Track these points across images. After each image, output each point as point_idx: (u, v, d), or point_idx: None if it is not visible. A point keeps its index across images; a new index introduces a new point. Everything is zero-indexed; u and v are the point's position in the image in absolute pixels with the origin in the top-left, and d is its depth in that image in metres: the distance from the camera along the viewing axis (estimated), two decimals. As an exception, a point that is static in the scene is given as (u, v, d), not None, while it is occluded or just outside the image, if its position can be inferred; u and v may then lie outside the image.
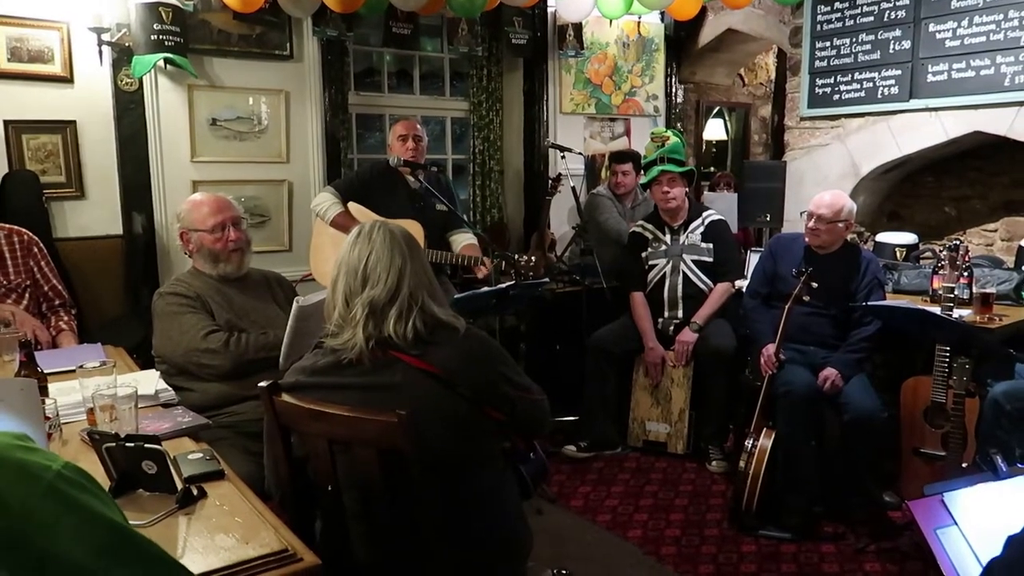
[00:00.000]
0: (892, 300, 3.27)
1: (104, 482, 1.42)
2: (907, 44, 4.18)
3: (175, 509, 1.43)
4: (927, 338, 2.92)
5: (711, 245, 3.75)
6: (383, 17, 4.32)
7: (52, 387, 2.02)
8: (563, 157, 4.54)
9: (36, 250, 2.99)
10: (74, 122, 3.69)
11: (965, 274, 3.25)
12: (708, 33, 5.58)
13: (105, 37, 3.62)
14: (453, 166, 5.16)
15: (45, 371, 2.05)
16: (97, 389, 1.76)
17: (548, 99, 5.11)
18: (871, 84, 4.35)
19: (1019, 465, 2.03)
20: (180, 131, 3.92)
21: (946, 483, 1.49)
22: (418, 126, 3.55)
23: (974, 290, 3.27)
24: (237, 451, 2.08)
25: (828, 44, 4.54)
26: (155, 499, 1.47)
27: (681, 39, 5.71)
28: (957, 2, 3.95)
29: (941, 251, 3.31)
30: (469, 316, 2.38)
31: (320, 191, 3.71)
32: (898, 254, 3.97)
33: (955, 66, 3.99)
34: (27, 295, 2.92)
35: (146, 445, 1.46)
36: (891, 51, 4.25)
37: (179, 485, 1.48)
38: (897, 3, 4.20)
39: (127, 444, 1.47)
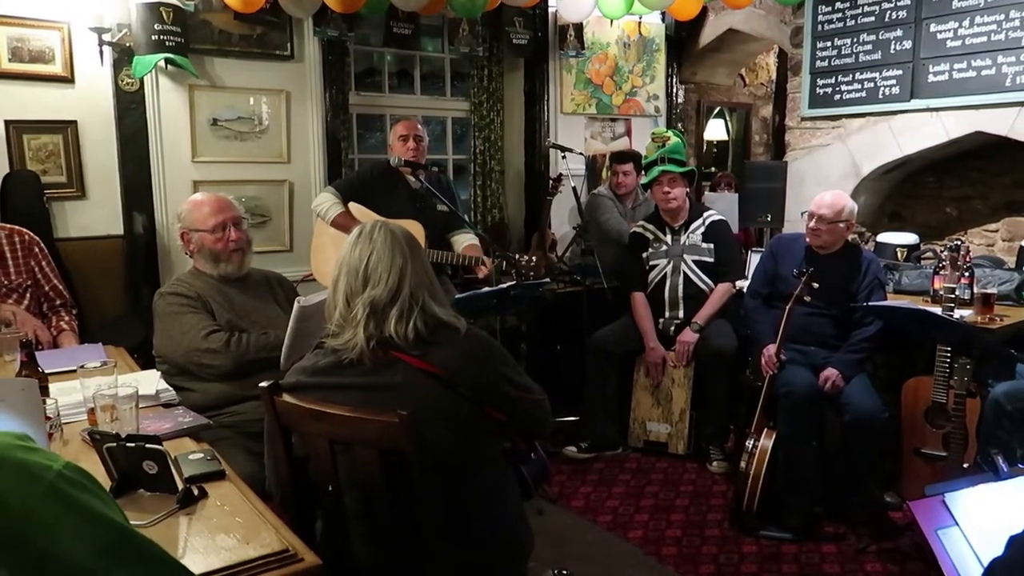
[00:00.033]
0: (893, 300, 3.27)
1: (105, 482, 1.42)
2: (908, 44, 4.17)
3: (176, 509, 1.43)
4: (928, 338, 2.92)
5: (712, 245, 3.75)
6: (384, 17, 4.32)
7: (53, 387, 2.03)
8: (564, 157, 4.54)
9: (37, 250, 2.99)
10: (75, 122, 3.69)
11: (966, 274, 3.25)
12: (709, 33, 5.57)
13: (106, 37, 3.62)
14: (454, 166, 5.16)
15: (46, 371, 2.05)
16: (98, 389, 1.76)
17: (549, 99, 5.11)
18: (872, 84, 4.35)
19: (1020, 465, 2.03)
20: (181, 131, 3.93)
21: (947, 483, 1.49)
22: (419, 126, 3.55)
23: (975, 290, 3.27)
24: (238, 451, 2.08)
25: (829, 44, 4.54)
26: (156, 499, 1.47)
27: (682, 39, 5.71)
28: (958, 2, 3.95)
29: (942, 251, 3.31)
30: (470, 316, 2.38)
31: (321, 191, 3.71)
32: (899, 254, 3.97)
33: (956, 66, 3.98)
34: (28, 295, 2.92)
35: (147, 445, 1.46)
36: (892, 51, 4.25)
37: (180, 485, 1.48)
38: (898, 3, 4.20)
39: (128, 444, 1.47)
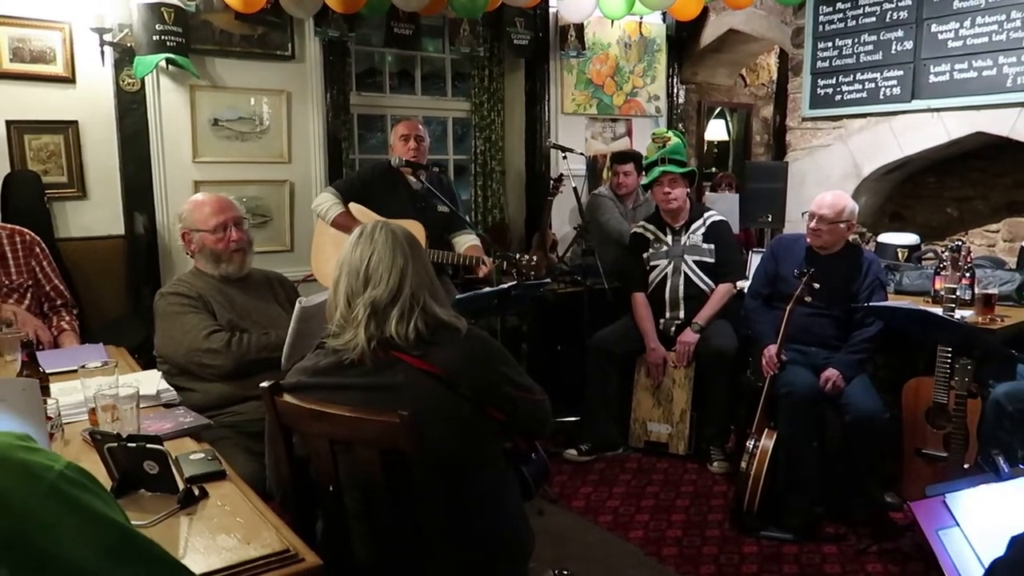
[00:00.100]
0: (894, 301, 3.27)
1: (106, 482, 1.42)
2: (909, 44, 4.17)
3: (177, 509, 1.43)
4: (929, 339, 2.92)
5: (712, 246, 3.75)
6: (385, 18, 4.32)
7: (54, 387, 2.03)
8: (564, 157, 4.54)
9: (38, 250, 2.99)
10: (76, 122, 3.69)
11: (967, 275, 3.25)
12: (710, 33, 5.57)
13: (107, 37, 3.63)
14: (455, 166, 5.16)
15: (47, 371, 2.05)
16: (99, 389, 1.76)
17: (550, 99, 5.11)
18: (873, 84, 4.35)
19: (1021, 466, 2.03)
20: (182, 131, 3.93)
21: (948, 484, 1.49)
22: (420, 126, 3.55)
23: (976, 291, 3.27)
24: (239, 451, 2.08)
25: (830, 44, 4.53)
26: (157, 499, 1.47)
27: (683, 39, 5.71)
28: (959, 3, 3.95)
29: (943, 252, 3.31)
30: (471, 316, 2.38)
31: (321, 191, 3.71)
32: (900, 255, 3.97)
33: (957, 67, 3.98)
34: (29, 295, 2.92)
35: (148, 445, 1.46)
36: (893, 52, 4.25)
37: (181, 485, 1.48)
38: (899, 3, 4.20)
39: (129, 444, 1.47)
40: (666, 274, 3.77)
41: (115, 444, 1.48)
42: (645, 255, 3.83)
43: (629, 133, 5.52)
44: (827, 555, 2.80)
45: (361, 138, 4.74)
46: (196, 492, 1.48)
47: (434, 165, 3.92)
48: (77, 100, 3.68)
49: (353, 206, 3.45)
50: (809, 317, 3.16)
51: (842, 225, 3.15)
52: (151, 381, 2.17)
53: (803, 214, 3.30)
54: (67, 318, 2.99)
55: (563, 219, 5.00)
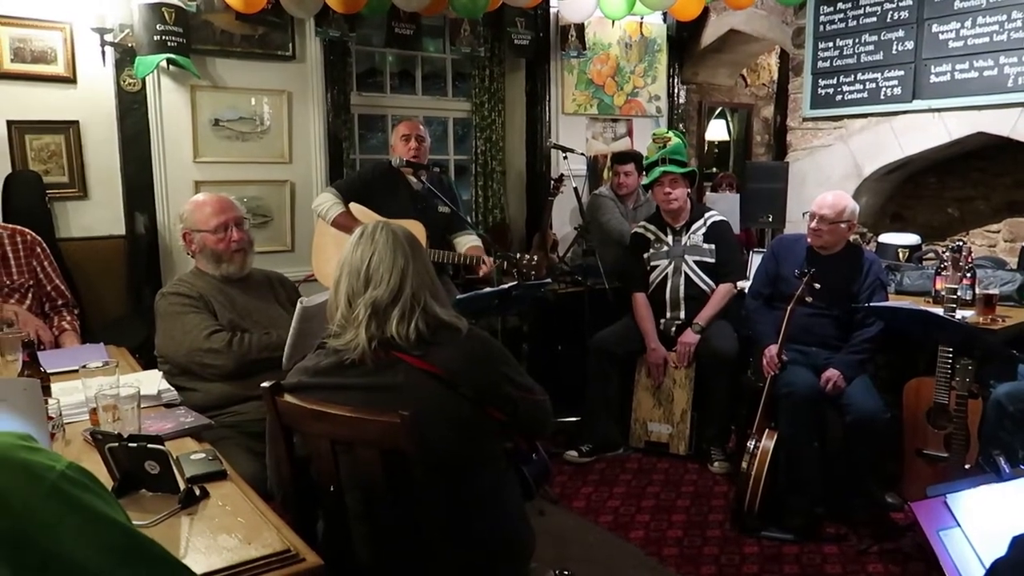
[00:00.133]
0: (895, 301, 3.27)
1: (107, 482, 1.42)
2: (910, 45, 4.17)
3: (178, 509, 1.43)
4: (930, 339, 2.92)
5: (713, 246, 3.75)
6: (385, 18, 4.32)
7: (55, 387, 2.03)
8: (565, 158, 4.54)
9: (39, 250, 2.99)
10: (77, 122, 3.69)
11: (968, 275, 3.24)
12: (710, 34, 5.57)
13: (108, 38, 3.63)
14: (455, 167, 5.16)
15: (48, 371, 2.05)
16: (100, 389, 1.76)
17: (550, 100, 5.11)
18: (874, 85, 4.35)
19: (1022, 467, 2.03)
20: (183, 131, 3.93)
21: (949, 484, 1.49)
22: (421, 126, 3.55)
23: (977, 291, 3.26)
24: (240, 451, 2.08)
25: (831, 45, 4.53)
26: (158, 499, 1.47)
27: (683, 40, 5.71)
28: (960, 3, 3.95)
29: (944, 252, 3.31)
30: (471, 317, 2.38)
31: (321, 191, 3.71)
32: (901, 255, 3.97)
33: (958, 67, 3.98)
34: (30, 295, 2.92)
35: (149, 445, 1.46)
36: (894, 52, 4.24)
37: (182, 485, 1.48)
38: (900, 4, 4.20)
39: (130, 444, 1.47)
40: (667, 274, 3.77)
41: (116, 444, 1.48)
42: (646, 255, 3.83)
43: (630, 133, 5.52)
44: (828, 555, 2.80)
45: (362, 138, 4.74)
46: (197, 492, 1.48)
47: (435, 165, 3.92)
48: (78, 100, 3.68)
49: (353, 206, 3.45)
50: (810, 317, 3.16)
51: (843, 225, 3.15)
52: (152, 381, 2.17)
53: (804, 214, 3.30)
54: (68, 318, 2.99)
55: (564, 219, 5.00)
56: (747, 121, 7.18)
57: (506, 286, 3.23)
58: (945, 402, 2.81)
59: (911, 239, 4.10)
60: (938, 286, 3.34)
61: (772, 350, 3.09)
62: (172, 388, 2.16)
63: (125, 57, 3.71)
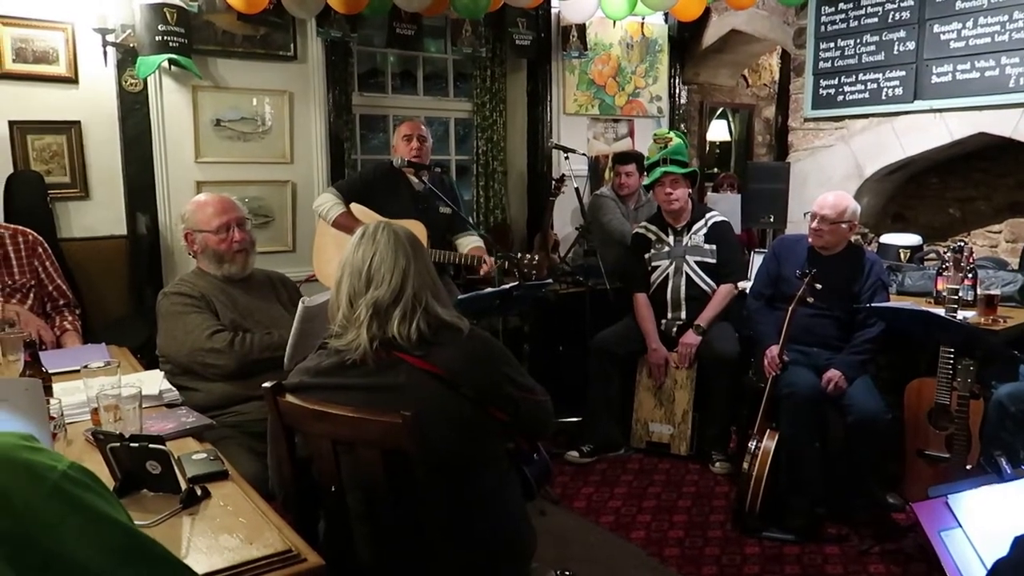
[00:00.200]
0: (896, 302, 3.27)
1: (108, 482, 1.42)
2: (911, 45, 4.17)
3: (179, 509, 1.43)
4: (931, 340, 2.92)
5: (714, 246, 3.74)
6: (387, 18, 4.33)
7: (56, 387, 2.03)
8: (566, 158, 4.54)
9: (41, 250, 2.99)
10: (79, 123, 3.70)
11: (969, 276, 3.24)
12: (712, 34, 5.57)
13: (110, 38, 3.63)
14: (457, 167, 5.17)
15: (50, 371, 2.05)
16: (101, 389, 1.76)
17: (552, 100, 5.11)
18: (875, 85, 4.35)
19: (1023, 467, 2.03)
20: (184, 132, 3.93)
21: (950, 485, 1.49)
22: (422, 127, 3.55)
23: (978, 292, 3.26)
24: (241, 451, 2.08)
25: (832, 45, 4.53)
26: (159, 499, 1.47)
27: (685, 40, 5.71)
28: (962, 3, 3.95)
29: (945, 252, 3.31)
30: (473, 317, 2.38)
31: (322, 192, 3.71)
32: (902, 255, 3.96)
33: (960, 67, 3.98)
34: (32, 295, 2.93)
35: (150, 445, 1.46)
36: (895, 52, 4.24)
37: (183, 485, 1.48)
38: (901, 4, 4.20)
39: (131, 444, 1.47)
40: (668, 275, 3.76)
41: (118, 444, 1.48)
42: (647, 256, 3.82)
43: (631, 133, 5.52)
44: (829, 556, 2.80)
45: (363, 138, 4.75)
46: (198, 492, 1.48)
47: (436, 166, 3.92)
48: (80, 100, 3.68)
49: (354, 206, 3.45)
50: (811, 318, 3.16)
51: (844, 226, 3.15)
52: (153, 381, 2.17)
53: (805, 215, 3.30)
54: (70, 318, 2.99)
55: (565, 220, 5.00)
56: (748, 121, 7.17)
57: (507, 286, 3.23)
58: (946, 403, 2.81)
59: (912, 239, 4.10)
60: (939, 287, 3.34)
61: (773, 351, 3.09)
62: (174, 388, 2.16)
63: (127, 57, 3.72)
